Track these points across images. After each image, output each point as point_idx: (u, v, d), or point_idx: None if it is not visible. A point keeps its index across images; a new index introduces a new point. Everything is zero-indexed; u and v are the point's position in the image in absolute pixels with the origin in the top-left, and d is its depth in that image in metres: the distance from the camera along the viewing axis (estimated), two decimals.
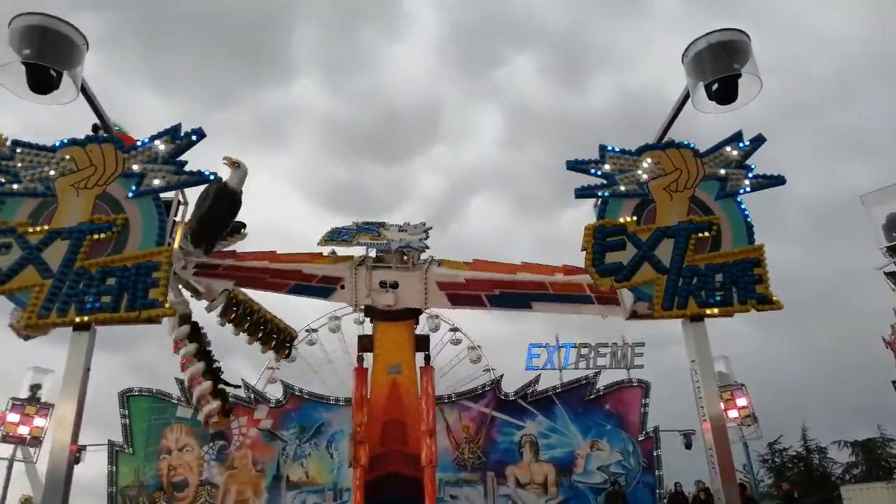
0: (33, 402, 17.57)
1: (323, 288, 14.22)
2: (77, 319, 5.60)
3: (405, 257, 14.35)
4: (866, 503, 17.49)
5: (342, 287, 14.17)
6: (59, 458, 5.34)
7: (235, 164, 10.70)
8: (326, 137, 62.53)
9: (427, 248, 14.28)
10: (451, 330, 25.05)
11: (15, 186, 6.06)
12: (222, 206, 10.88)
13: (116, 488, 18.00)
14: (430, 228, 14.50)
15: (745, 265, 6.15)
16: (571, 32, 63.33)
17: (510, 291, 14.08)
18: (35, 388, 17.86)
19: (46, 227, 5.92)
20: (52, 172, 6.10)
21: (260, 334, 12.53)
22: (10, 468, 17.13)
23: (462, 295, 14.27)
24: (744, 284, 6.05)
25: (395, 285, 14.35)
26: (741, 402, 18.56)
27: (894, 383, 25.68)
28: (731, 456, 5.78)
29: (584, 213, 6.74)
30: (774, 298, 6.06)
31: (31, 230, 5.89)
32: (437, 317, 22.03)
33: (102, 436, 18.44)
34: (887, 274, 14.65)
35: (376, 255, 14.21)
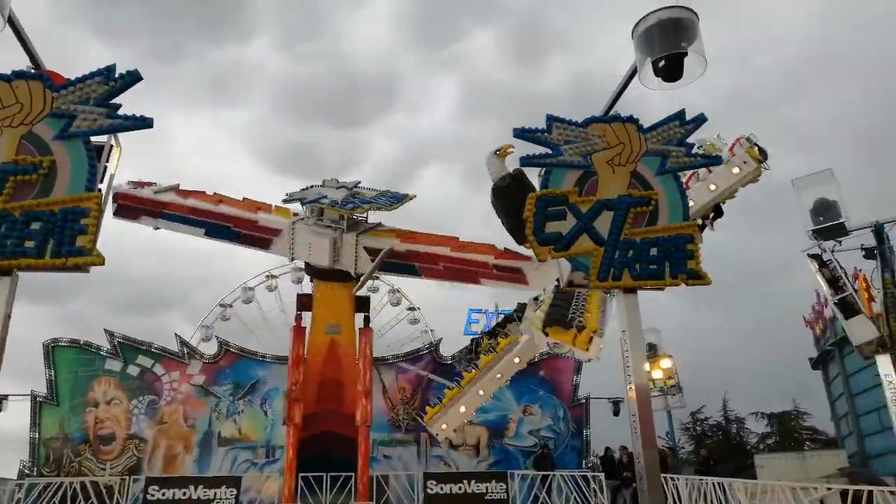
0: None
1: None
2: None
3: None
4: (777, 471, 18.49)
5: None
6: None
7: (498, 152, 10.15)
8: (279, 98, 60.91)
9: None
10: (391, 291, 25.05)
11: None
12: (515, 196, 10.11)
13: (39, 439, 17.51)
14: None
15: (678, 241, 6.29)
16: (532, 12, 62.94)
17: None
18: None
19: None
20: None
21: None
22: None
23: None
24: (676, 259, 6.20)
25: None
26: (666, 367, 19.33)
27: (811, 360, 27.25)
28: (652, 422, 5.98)
29: None
30: (704, 274, 6.26)
31: None
32: (377, 277, 21.85)
33: (28, 387, 17.88)
34: (811, 256, 15.25)
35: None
